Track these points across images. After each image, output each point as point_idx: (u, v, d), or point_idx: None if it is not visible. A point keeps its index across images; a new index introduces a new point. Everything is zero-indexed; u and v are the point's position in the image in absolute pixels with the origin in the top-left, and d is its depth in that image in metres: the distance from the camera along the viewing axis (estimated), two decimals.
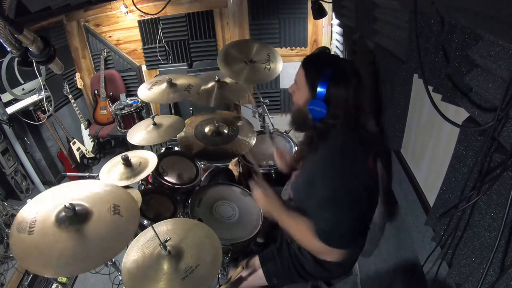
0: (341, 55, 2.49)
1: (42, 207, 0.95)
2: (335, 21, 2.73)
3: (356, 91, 1.00)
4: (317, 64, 1.03)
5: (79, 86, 3.28)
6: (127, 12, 3.03)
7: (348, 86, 0.99)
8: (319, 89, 0.98)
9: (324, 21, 2.88)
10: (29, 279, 1.97)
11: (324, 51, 1.17)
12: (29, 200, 0.97)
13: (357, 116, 1.04)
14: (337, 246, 1.01)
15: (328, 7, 2.26)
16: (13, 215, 2.19)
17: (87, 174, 2.71)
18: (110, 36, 3.22)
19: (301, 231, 1.07)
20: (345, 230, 1.00)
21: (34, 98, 2.66)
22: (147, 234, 1.11)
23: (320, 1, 2.16)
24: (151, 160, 1.57)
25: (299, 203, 1.18)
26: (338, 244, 1.01)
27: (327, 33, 2.97)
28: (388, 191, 1.34)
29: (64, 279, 2.08)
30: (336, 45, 2.81)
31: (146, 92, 1.79)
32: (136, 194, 1.46)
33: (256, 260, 1.31)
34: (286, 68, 2.14)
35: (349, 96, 0.99)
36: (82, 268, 0.85)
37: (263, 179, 1.24)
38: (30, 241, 0.85)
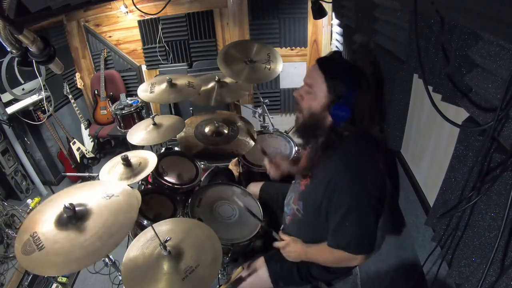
0: None
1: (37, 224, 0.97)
2: (335, 21, 2.72)
3: (372, 96, 1.03)
4: (341, 69, 1.03)
5: (79, 86, 3.28)
6: (127, 12, 3.03)
7: (370, 92, 1.01)
8: (345, 94, 0.99)
9: (324, 21, 2.88)
10: (29, 279, 1.97)
11: (341, 55, 1.14)
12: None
13: (369, 119, 1.05)
14: (366, 252, 1.03)
15: (328, 7, 2.26)
16: (13, 215, 2.19)
17: (87, 174, 2.70)
18: (110, 36, 3.22)
19: (321, 251, 1.11)
20: (371, 235, 1.01)
21: (34, 98, 2.66)
22: (147, 234, 1.11)
23: (320, 1, 2.16)
24: (151, 160, 1.57)
25: (310, 215, 1.15)
26: (367, 250, 1.02)
27: (327, 33, 2.97)
28: (391, 193, 1.34)
29: (64, 279, 2.08)
30: (336, 45, 2.81)
31: (148, 94, 1.80)
32: (136, 194, 1.46)
33: (257, 261, 1.31)
34: (286, 68, 2.14)
35: (371, 101, 1.02)
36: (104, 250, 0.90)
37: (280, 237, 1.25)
38: (45, 255, 0.87)
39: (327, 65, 1.03)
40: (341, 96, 0.99)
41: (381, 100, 1.35)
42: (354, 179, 0.99)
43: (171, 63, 3.21)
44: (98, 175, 1.52)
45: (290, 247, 1.19)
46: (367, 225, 0.99)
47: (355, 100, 0.99)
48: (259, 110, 2.34)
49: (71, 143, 3.05)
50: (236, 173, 2.10)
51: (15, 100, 2.52)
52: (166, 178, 1.70)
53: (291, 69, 3.06)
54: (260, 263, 1.30)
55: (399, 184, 1.31)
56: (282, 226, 1.34)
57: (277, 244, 1.24)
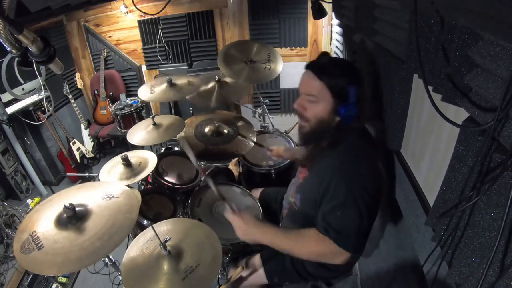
0: (341, 55, 2.49)
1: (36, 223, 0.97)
2: (335, 21, 2.72)
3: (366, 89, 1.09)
4: (336, 69, 1.03)
5: (79, 86, 3.28)
6: (127, 12, 3.03)
7: (365, 85, 1.05)
8: (349, 93, 1.00)
9: (324, 21, 2.88)
10: (29, 279, 1.97)
11: (328, 55, 1.14)
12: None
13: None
14: (351, 249, 0.98)
15: (328, 7, 2.26)
16: (13, 215, 2.19)
17: (87, 174, 2.71)
18: (110, 36, 3.22)
19: (303, 240, 1.04)
20: (362, 232, 0.98)
21: (34, 98, 2.66)
22: (147, 234, 1.11)
23: (320, 1, 2.16)
24: (151, 160, 1.57)
25: (306, 207, 1.15)
26: (353, 247, 0.98)
27: (327, 33, 2.97)
28: (388, 191, 1.34)
29: (64, 279, 2.08)
30: (336, 45, 2.81)
31: (148, 94, 1.81)
32: (136, 194, 1.46)
33: (256, 260, 1.31)
34: (286, 68, 2.14)
35: (368, 94, 1.07)
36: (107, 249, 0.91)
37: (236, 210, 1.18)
38: (45, 254, 0.87)
39: (321, 69, 1.03)
40: (346, 96, 1.00)
41: (378, 94, 1.36)
42: (352, 177, 0.99)
43: (171, 63, 3.21)
44: (98, 175, 1.53)
45: (236, 221, 1.13)
46: (358, 221, 0.95)
47: (358, 96, 1.01)
48: (259, 110, 2.35)
49: (71, 143, 3.05)
50: (236, 173, 2.10)
51: (15, 100, 2.52)
52: (166, 178, 1.70)
53: (291, 69, 3.05)
54: (257, 261, 1.30)
55: (395, 182, 1.31)
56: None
57: (227, 214, 1.17)
